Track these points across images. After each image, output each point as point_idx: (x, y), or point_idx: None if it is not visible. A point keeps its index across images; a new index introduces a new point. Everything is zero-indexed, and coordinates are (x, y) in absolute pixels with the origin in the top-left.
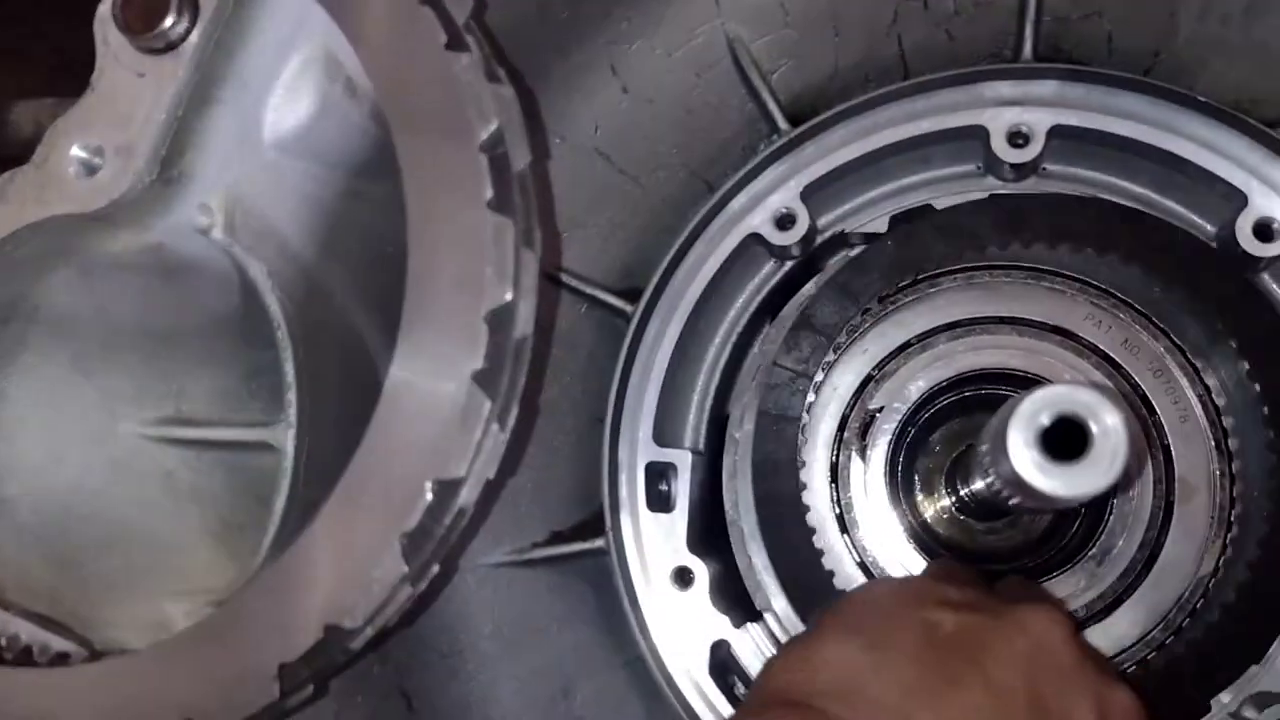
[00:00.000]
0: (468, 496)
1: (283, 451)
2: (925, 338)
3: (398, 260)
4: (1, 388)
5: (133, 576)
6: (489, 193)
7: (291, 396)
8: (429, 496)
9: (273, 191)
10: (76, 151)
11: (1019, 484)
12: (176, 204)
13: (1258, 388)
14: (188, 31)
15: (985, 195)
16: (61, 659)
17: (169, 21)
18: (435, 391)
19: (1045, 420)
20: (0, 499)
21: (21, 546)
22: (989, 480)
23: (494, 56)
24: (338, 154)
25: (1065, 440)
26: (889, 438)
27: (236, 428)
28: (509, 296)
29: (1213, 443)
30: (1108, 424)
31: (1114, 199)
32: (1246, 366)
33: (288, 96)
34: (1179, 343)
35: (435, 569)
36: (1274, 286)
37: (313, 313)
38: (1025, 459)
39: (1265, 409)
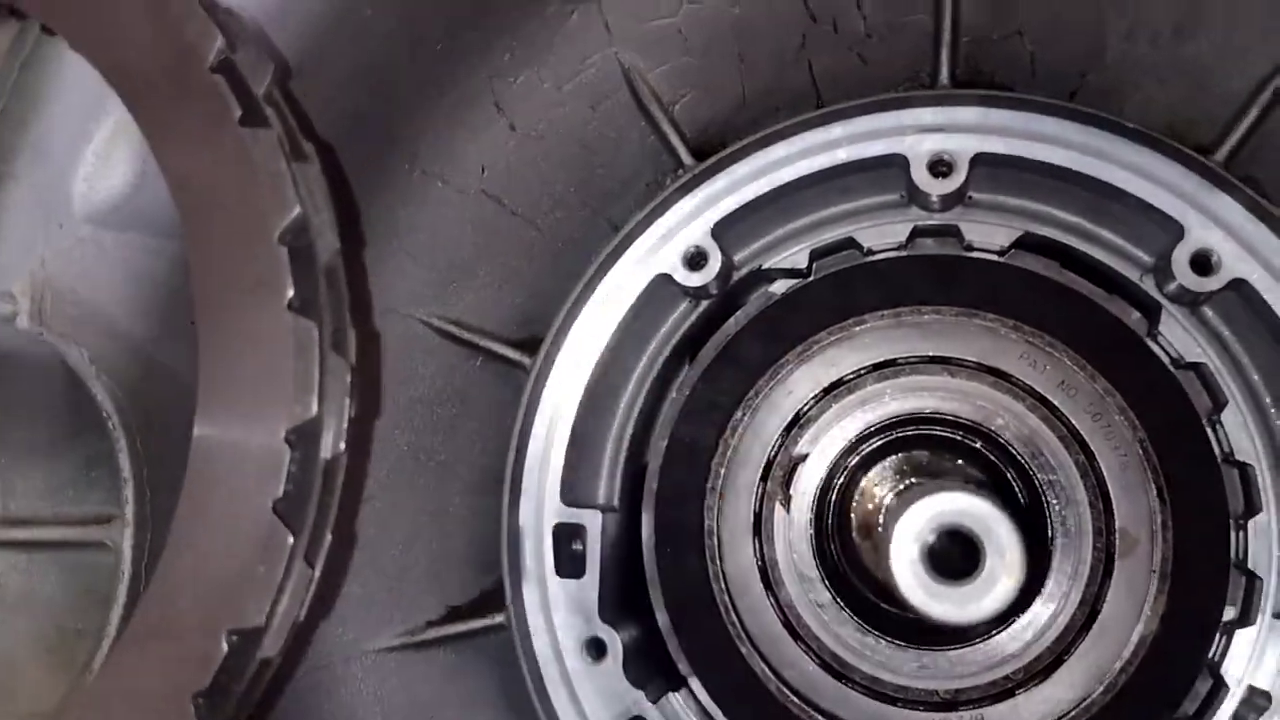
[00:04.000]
0: (271, 645)
1: (119, 551)
2: (853, 379)
3: None
4: None
5: None
6: (289, 291)
7: (128, 492)
8: (224, 648)
9: (90, 269)
10: None
11: (909, 608)
12: None
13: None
14: None
15: (917, 254)
16: None
17: None
18: (230, 526)
19: (929, 537)
20: None
21: None
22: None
23: (301, 129)
24: (166, 221)
25: (956, 556)
26: (816, 486)
27: (70, 526)
28: (313, 412)
29: (1154, 491)
30: (1001, 540)
31: (1043, 269)
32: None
33: (100, 165)
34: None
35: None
36: (1220, 325)
37: (151, 395)
38: (911, 581)
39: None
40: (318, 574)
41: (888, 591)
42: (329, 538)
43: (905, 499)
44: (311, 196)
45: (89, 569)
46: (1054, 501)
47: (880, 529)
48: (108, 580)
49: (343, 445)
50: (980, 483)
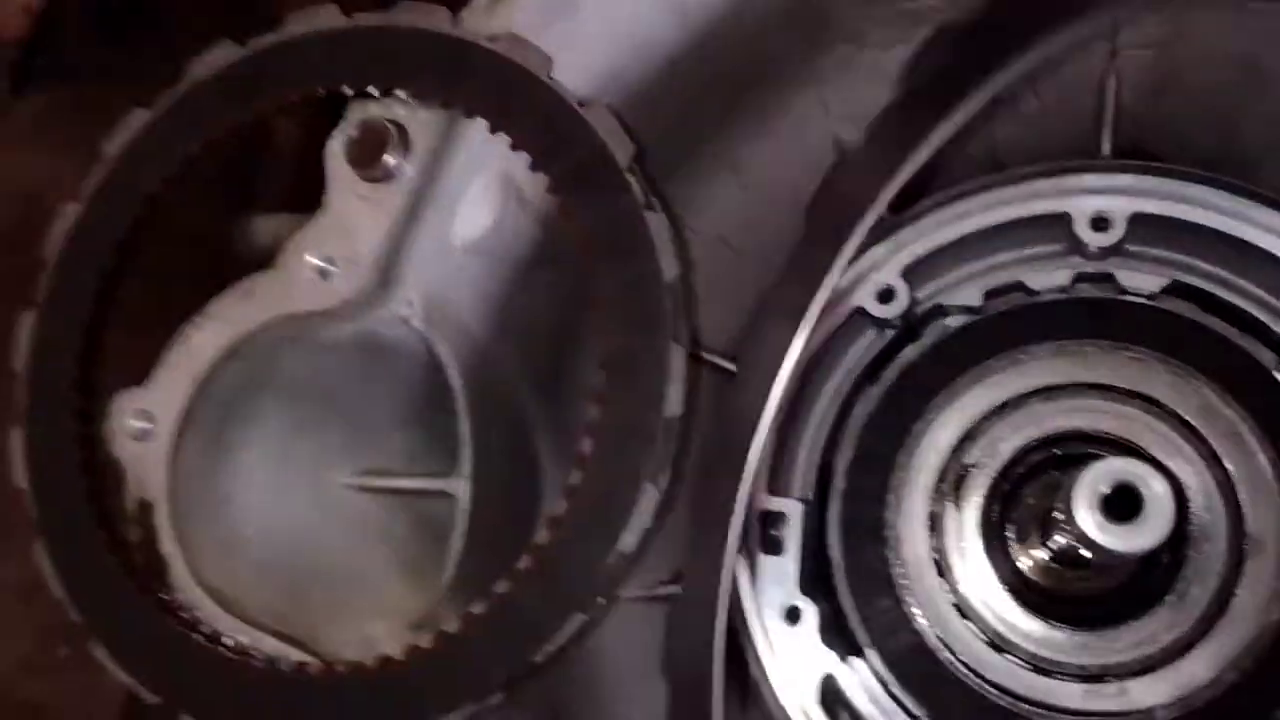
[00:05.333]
0: (628, 542)
1: (458, 499)
2: (1018, 400)
3: (556, 341)
4: (244, 443)
5: (341, 604)
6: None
7: (466, 453)
8: None
9: (458, 286)
10: (312, 259)
11: (1085, 540)
12: (388, 300)
13: None
14: (401, 164)
15: (1077, 296)
16: (302, 667)
17: (388, 158)
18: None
19: (1105, 488)
20: (241, 538)
21: (259, 577)
22: (1067, 537)
23: (650, 189)
24: (507, 252)
25: (1123, 504)
26: (983, 491)
27: (421, 478)
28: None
29: None
30: (1156, 491)
31: (1187, 312)
32: None
33: (472, 209)
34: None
35: (602, 600)
36: None
37: (484, 385)
38: (1089, 520)
39: None
40: (660, 496)
41: (1060, 559)
42: (669, 471)
43: (1084, 465)
44: (660, 237)
45: (433, 514)
46: (1193, 509)
47: (1059, 495)
48: (446, 523)
49: (679, 409)
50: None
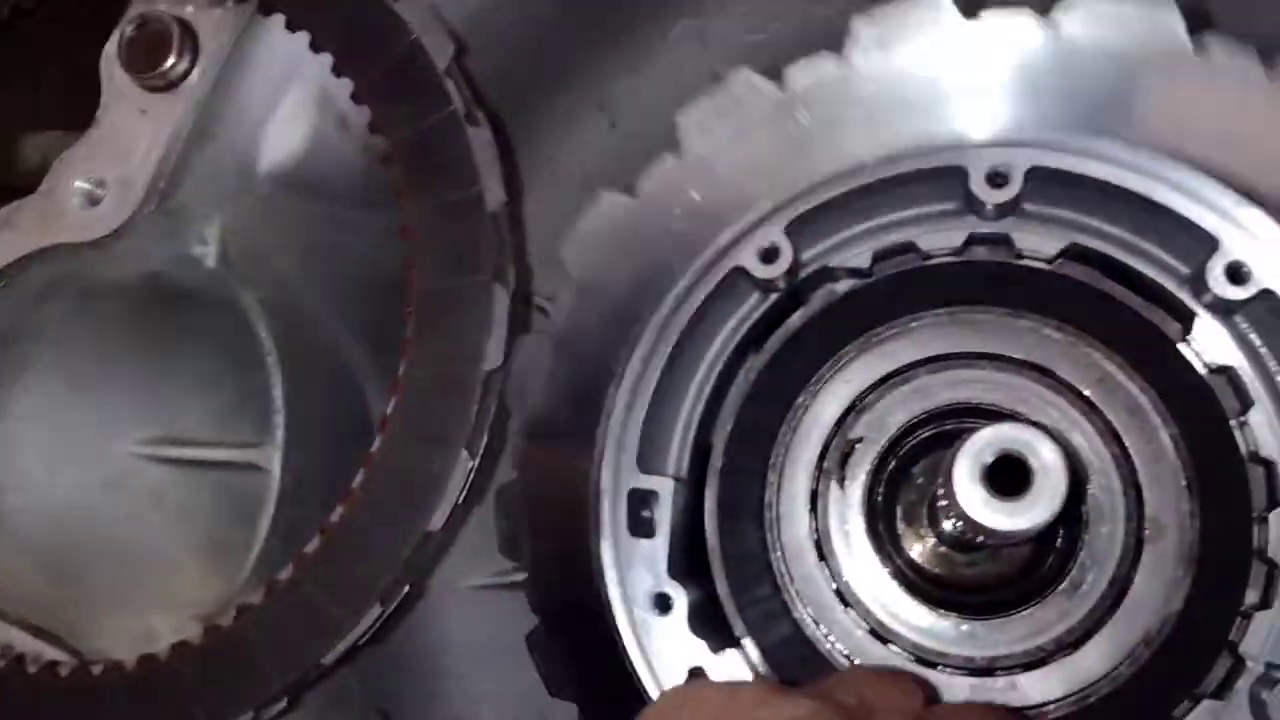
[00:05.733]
0: (436, 520)
1: (269, 472)
2: (906, 370)
3: (385, 289)
4: (4, 405)
5: (122, 591)
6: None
7: (279, 419)
8: None
9: (266, 223)
10: (80, 183)
11: (967, 519)
12: (174, 235)
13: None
14: (188, 71)
15: (971, 259)
16: (51, 667)
17: (170, 61)
18: None
19: (988, 458)
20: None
21: (19, 558)
22: (953, 518)
23: (473, 99)
24: (329, 186)
25: (1009, 477)
26: (869, 468)
27: (226, 448)
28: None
29: (1183, 483)
30: (1046, 460)
31: (1087, 277)
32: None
33: (282, 132)
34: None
35: (406, 588)
36: (1250, 332)
37: (301, 339)
38: (971, 496)
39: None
40: (475, 464)
41: (949, 542)
42: (486, 436)
43: (966, 433)
44: (484, 156)
45: (239, 489)
46: (1090, 489)
47: (942, 470)
48: (254, 500)
49: (501, 359)
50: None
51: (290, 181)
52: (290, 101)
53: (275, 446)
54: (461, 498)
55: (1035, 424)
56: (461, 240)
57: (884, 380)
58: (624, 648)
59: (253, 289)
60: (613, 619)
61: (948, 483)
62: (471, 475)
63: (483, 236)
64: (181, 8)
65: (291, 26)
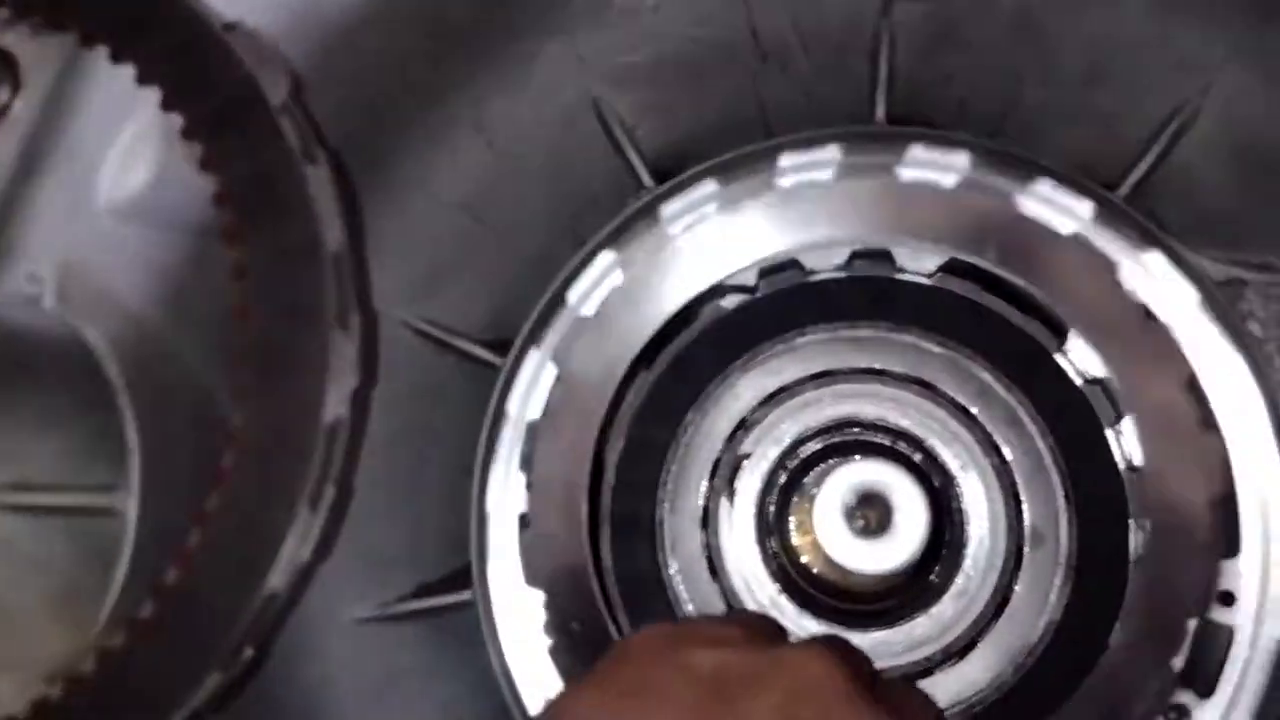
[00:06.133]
0: (278, 580)
1: (125, 518)
2: (794, 386)
3: None
4: None
5: None
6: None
7: (135, 461)
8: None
9: (110, 258)
10: None
11: (833, 564)
12: (4, 274)
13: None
14: (9, 104)
15: (854, 275)
16: None
17: None
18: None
19: (849, 499)
20: None
21: None
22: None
23: (313, 136)
24: (180, 217)
25: (872, 515)
26: (758, 483)
27: (78, 493)
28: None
29: (1062, 492)
30: (906, 498)
31: (966, 291)
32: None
33: (123, 164)
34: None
35: (249, 653)
36: None
37: (158, 376)
38: (833, 539)
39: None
40: (321, 520)
41: (816, 568)
42: (331, 489)
43: (828, 470)
44: (322, 196)
45: (95, 534)
46: (970, 499)
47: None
48: (112, 544)
49: (345, 410)
50: (895, 458)
51: (136, 214)
52: (130, 133)
53: (131, 490)
54: (308, 555)
55: (899, 454)
56: (299, 285)
57: (772, 396)
58: (512, 674)
59: (97, 326)
60: (499, 647)
61: (810, 522)
62: (319, 531)
63: (322, 281)
64: (0, 37)
65: (116, 59)
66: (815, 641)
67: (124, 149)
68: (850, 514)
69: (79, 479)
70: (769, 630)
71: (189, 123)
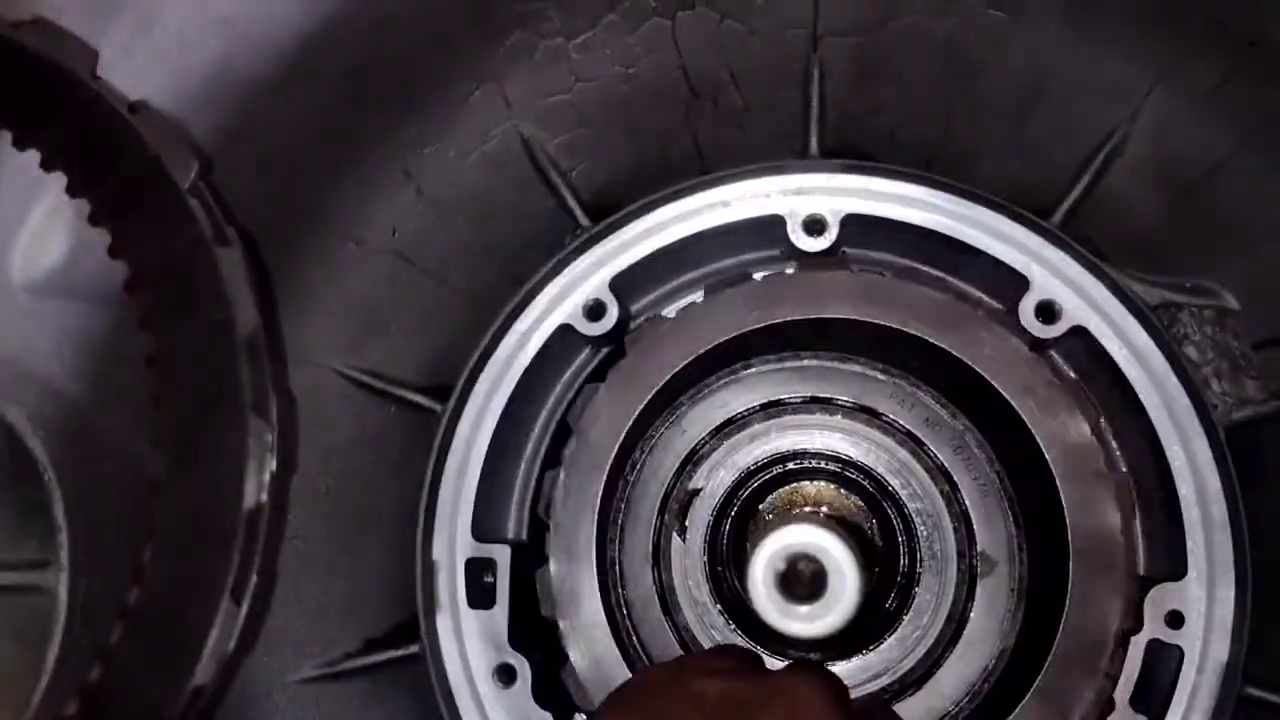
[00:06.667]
0: (204, 674)
1: (54, 596)
2: (742, 418)
3: None
4: None
5: None
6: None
7: (63, 539)
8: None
9: (27, 335)
10: None
11: (768, 629)
12: None
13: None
14: None
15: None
16: None
17: None
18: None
19: (780, 565)
20: None
21: None
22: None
23: (224, 216)
24: (97, 290)
25: (804, 579)
26: (708, 518)
27: (6, 571)
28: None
29: (1011, 517)
30: (838, 561)
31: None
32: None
33: (36, 242)
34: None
35: None
36: (1063, 365)
37: (85, 451)
38: (767, 605)
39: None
40: (244, 611)
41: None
42: (254, 578)
43: (761, 533)
44: (234, 279)
45: (24, 613)
46: (922, 527)
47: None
48: (42, 623)
49: (264, 497)
50: (831, 518)
51: (54, 290)
52: (42, 211)
53: (60, 567)
54: (232, 646)
55: (831, 517)
56: (214, 371)
57: (719, 429)
58: None
59: (18, 404)
60: (450, 698)
61: (743, 587)
62: (242, 622)
63: (236, 366)
64: None
65: (19, 144)
66: (798, 667)
67: (36, 227)
68: (783, 582)
69: (7, 557)
70: (753, 659)
71: (96, 208)
